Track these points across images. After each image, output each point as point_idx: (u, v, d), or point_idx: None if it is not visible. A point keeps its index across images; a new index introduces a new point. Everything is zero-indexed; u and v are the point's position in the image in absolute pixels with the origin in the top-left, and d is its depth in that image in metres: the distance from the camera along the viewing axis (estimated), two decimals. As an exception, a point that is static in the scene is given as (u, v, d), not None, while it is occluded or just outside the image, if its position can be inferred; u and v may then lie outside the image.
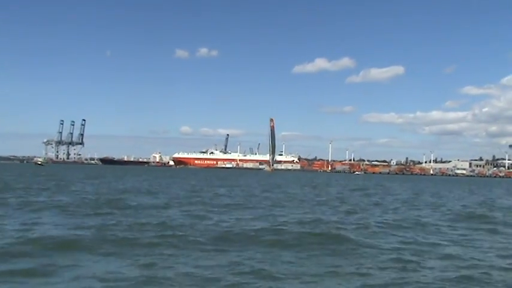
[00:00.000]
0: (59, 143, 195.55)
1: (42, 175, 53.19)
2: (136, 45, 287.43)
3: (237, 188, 37.76)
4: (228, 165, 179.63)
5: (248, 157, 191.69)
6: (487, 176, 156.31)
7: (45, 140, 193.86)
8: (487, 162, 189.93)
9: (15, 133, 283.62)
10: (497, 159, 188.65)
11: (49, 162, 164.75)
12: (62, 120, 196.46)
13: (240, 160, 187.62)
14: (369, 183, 60.61)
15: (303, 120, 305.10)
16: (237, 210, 18.79)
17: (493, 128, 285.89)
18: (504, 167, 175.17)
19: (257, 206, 20.89)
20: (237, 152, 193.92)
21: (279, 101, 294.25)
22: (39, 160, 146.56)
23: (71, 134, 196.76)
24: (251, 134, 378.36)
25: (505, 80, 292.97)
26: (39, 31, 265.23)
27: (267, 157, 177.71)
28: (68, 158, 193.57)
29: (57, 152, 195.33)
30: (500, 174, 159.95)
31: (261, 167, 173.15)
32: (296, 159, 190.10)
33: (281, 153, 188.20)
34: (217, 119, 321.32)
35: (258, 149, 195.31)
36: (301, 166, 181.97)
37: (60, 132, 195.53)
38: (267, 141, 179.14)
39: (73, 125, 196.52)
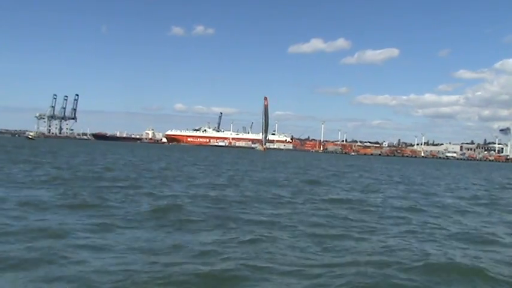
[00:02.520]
0: (52, 117, 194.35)
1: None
2: (132, 21, 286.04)
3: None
4: (220, 144, 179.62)
5: (241, 136, 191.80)
6: (477, 160, 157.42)
7: (37, 114, 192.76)
8: (478, 145, 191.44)
9: (7, 106, 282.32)
10: (489, 143, 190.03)
11: (41, 137, 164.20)
12: (55, 95, 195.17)
13: (232, 139, 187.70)
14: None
15: (297, 100, 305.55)
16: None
17: (486, 112, 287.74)
18: (494, 150, 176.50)
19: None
20: (230, 130, 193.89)
21: (273, 81, 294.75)
22: (30, 134, 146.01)
23: (64, 108, 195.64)
24: (245, 113, 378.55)
25: (498, 65, 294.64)
26: (34, 2, 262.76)
27: (260, 136, 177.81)
28: (60, 133, 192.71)
29: (50, 126, 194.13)
30: (490, 158, 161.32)
31: (253, 145, 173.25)
32: (289, 139, 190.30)
33: (274, 132, 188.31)
34: (211, 97, 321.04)
35: (251, 128, 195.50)
36: (293, 146, 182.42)
37: (53, 107, 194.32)
38: (260, 120, 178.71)
39: (66, 99, 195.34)
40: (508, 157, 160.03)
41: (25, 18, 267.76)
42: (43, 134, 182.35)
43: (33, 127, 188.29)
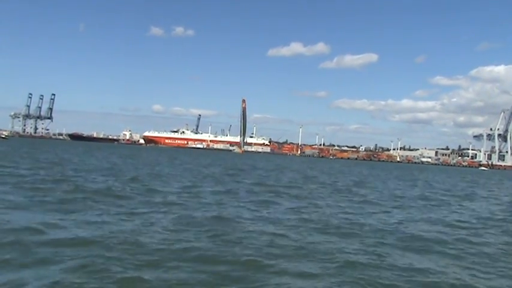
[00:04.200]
0: (27, 116, 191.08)
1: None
2: (111, 20, 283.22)
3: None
4: (198, 146, 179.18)
5: (219, 138, 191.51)
6: (451, 165, 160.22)
7: (12, 113, 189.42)
8: (453, 151, 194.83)
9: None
10: (463, 149, 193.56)
11: (15, 136, 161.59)
12: (31, 94, 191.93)
13: (210, 141, 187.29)
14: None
15: (276, 103, 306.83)
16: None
17: (461, 119, 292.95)
18: (468, 156, 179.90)
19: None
20: (208, 132, 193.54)
21: (252, 83, 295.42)
22: (4, 133, 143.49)
23: (40, 108, 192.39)
24: (223, 115, 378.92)
25: (474, 72, 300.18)
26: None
27: (238, 139, 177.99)
28: (35, 133, 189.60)
29: (25, 126, 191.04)
30: (463, 164, 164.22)
31: (231, 148, 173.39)
32: (267, 142, 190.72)
33: (252, 135, 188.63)
34: (190, 98, 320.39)
35: (229, 130, 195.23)
36: (271, 149, 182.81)
37: (28, 106, 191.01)
38: (238, 123, 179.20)
39: (42, 98, 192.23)
40: (481, 163, 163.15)
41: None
42: (18, 133, 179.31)
43: (8, 126, 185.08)
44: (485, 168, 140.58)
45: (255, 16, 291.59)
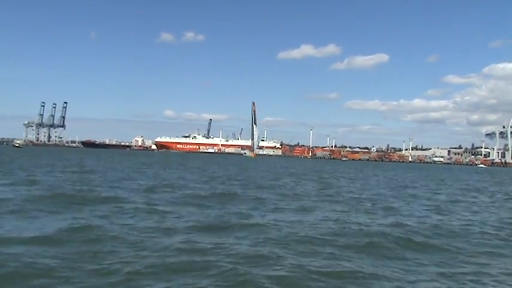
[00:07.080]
0: (40, 125, 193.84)
1: None
2: (121, 28, 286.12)
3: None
4: (210, 150, 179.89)
5: (230, 142, 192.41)
6: (464, 164, 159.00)
7: (26, 122, 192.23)
8: (466, 150, 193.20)
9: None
10: (476, 148, 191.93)
11: (29, 145, 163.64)
12: (43, 102, 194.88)
13: (222, 145, 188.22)
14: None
15: (287, 106, 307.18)
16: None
17: (474, 117, 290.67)
18: (481, 155, 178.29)
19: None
20: (219, 137, 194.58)
21: (263, 87, 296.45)
22: (17, 142, 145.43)
23: (53, 116, 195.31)
24: (234, 119, 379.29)
25: (486, 69, 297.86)
26: (22, 9, 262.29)
27: (249, 142, 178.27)
28: (49, 141, 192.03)
29: (38, 134, 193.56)
30: (476, 162, 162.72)
31: (242, 152, 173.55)
32: (278, 145, 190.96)
33: (263, 138, 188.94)
34: (201, 103, 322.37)
35: (240, 134, 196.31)
36: (282, 152, 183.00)
37: (41, 115, 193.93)
38: (249, 126, 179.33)
39: (55, 107, 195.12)
40: (494, 161, 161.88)
41: (12, 23, 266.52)
42: (31, 142, 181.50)
43: (22, 135, 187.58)
44: (484, 166, 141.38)
45: (265, 19, 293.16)
